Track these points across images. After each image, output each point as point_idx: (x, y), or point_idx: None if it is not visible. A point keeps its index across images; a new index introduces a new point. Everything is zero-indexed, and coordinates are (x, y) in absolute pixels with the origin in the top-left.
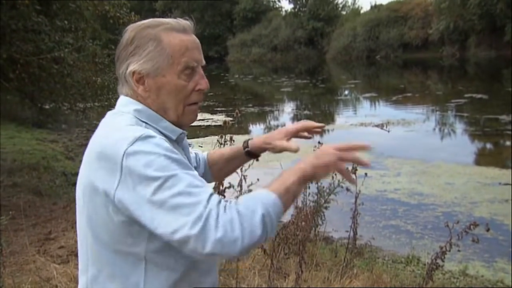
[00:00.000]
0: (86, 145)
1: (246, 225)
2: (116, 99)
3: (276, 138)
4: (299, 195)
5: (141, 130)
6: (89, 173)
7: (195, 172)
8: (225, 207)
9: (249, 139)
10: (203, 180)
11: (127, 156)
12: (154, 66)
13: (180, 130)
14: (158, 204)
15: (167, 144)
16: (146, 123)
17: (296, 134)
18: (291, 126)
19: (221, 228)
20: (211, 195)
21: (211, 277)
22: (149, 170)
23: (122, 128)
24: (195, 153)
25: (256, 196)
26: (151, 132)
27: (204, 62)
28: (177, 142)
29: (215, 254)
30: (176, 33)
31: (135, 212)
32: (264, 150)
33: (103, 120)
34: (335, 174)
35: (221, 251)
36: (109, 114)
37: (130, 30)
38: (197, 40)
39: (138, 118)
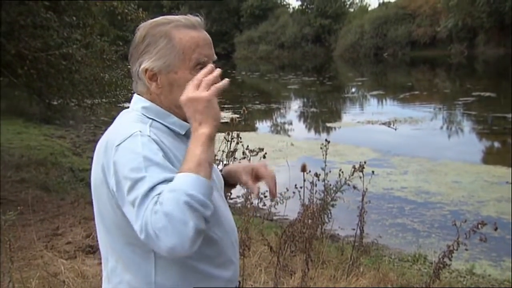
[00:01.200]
0: (93, 141)
1: (177, 225)
2: (123, 95)
3: (243, 173)
4: (213, 156)
5: (137, 127)
6: (96, 167)
7: (169, 176)
8: (155, 212)
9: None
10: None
11: (116, 151)
12: (166, 63)
13: (189, 125)
14: (129, 203)
15: (154, 146)
16: (153, 119)
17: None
18: (258, 167)
19: (161, 238)
20: (149, 199)
21: (227, 272)
22: (126, 168)
23: (125, 125)
24: None
25: (176, 187)
26: (146, 130)
27: (215, 57)
28: (188, 137)
29: (174, 256)
30: (186, 30)
31: (122, 204)
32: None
33: (116, 119)
34: (342, 172)
35: (174, 255)
36: (123, 112)
37: (142, 29)
38: (208, 36)
39: (145, 115)
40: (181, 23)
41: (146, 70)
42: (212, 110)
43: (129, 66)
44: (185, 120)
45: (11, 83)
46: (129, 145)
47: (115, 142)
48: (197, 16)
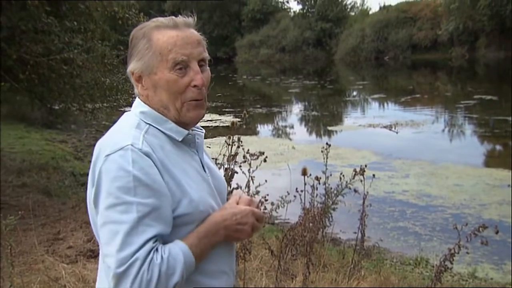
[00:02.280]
0: (94, 145)
1: None
2: (125, 100)
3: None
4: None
5: (130, 139)
6: (90, 171)
7: (157, 203)
8: (150, 262)
9: None
10: (162, 216)
11: (105, 161)
12: (145, 64)
13: (186, 131)
14: (104, 220)
15: (146, 163)
16: (150, 125)
17: None
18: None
19: (137, 283)
20: (146, 242)
21: (218, 281)
22: (113, 185)
23: (121, 132)
24: None
25: (178, 258)
26: (139, 141)
27: (203, 55)
28: (187, 144)
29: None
30: (166, 30)
31: (96, 212)
32: None
33: (118, 121)
34: (343, 176)
35: None
36: (124, 114)
37: (132, 32)
38: (192, 35)
39: (142, 120)
40: (161, 23)
41: (132, 73)
42: (241, 231)
43: None
44: (181, 124)
45: (12, 88)
46: (119, 159)
47: (106, 151)
48: (185, 16)
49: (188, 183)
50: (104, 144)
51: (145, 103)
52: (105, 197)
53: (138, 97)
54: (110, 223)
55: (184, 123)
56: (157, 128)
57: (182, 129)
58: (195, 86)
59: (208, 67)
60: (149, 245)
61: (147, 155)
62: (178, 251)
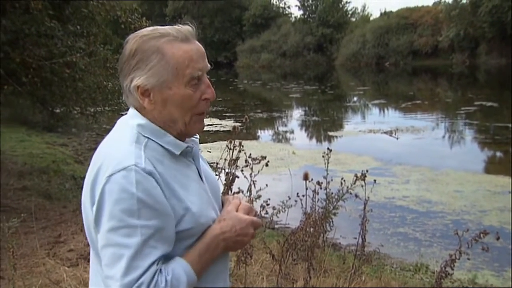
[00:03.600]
0: (95, 149)
1: None
2: (126, 104)
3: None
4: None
5: (133, 157)
6: (86, 187)
7: (161, 224)
8: (155, 286)
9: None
10: (165, 237)
11: (107, 182)
12: (160, 80)
13: (185, 145)
14: (106, 242)
15: (149, 184)
16: (149, 138)
17: None
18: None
19: None
20: (151, 265)
21: None
22: (116, 207)
23: (120, 147)
24: None
25: (181, 280)
26: (141, 160)
27: (209, 66)
28: (184, 155)
29: None
30: (179, 44)
31: (97, 231)
32: None
33: (113, 129)
34: (344, 181)
35: None
36: (120, 122)
37: (132, 42)
38: (201, 47)
39: (140, 133)
40: (173, 36)
41: (138, 87)
42: (240, 242)
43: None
44: (180, 137)
45: (15, 91)
46: (122, 180)
47: (108, 170)
48: (187, 25)
49: (188, 198)
50: (105, 162)
51: (142, 115)
52: (107, 219)
53: (135, 109)
54: (113, 246)
55: (187, 135)
56: (155, 142)
57: (181, 142)
58: (205, 99)
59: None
60: (154, 268)
61: (150, 174)
62: (181, 271)
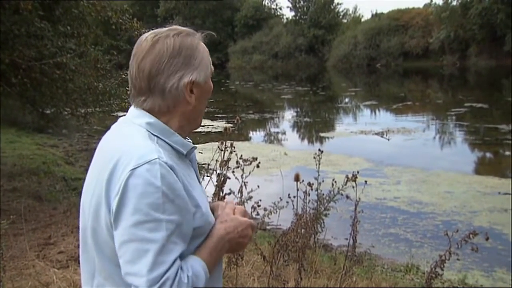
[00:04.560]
0: (86, 150)
1: None
2: (117, 104)
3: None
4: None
5: (155, 153)
6: (99, 183)
7: (181, 219)
8: (179, 281)
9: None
10: (183, 233)
11: (131, 176)
12: (206, 73)
13: (191, 145)
14: (129, 237)
15: (172, 177)
16: (158, 137)
17: None
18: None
19: None
20: (175, 260)
21: None
22: (142, 201)
23: (137, 142)
24: None
25: (200, 276)
26: (163, 156)
27: None
28: (187, 156)
29: None
30: (199, 40)
31: (115, 227)
32: None
33: (116, 128)
34: (335, 182)
35: None
36: (121, 122)
37: (168, 40)
38: None
39: (150, 132)
40: (197, 34)
41: (192, 83)
42: (241, 244)
43: (123, 76)
44: (186, 136)
45: (4, 92)
46: (146, 173)
47: (130, 163)
48: (180, 23)
49: (197, 196)
50: (123, 156)
51: (160, 118)
52: (131, 213)
53: (141, 108)
54: (138, 241)
55: (189, 132)
56: (164, 141)
57: (187, 142)
58: None
59: None
60: (177, 263)
61: (171, 168)
62: (199, 268)
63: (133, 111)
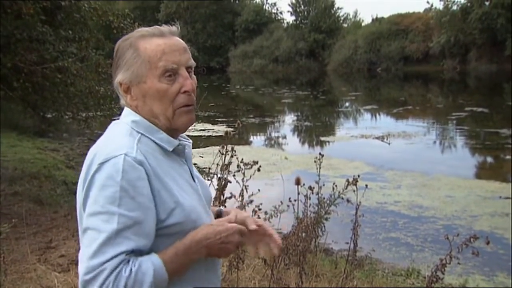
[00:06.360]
0: (87, 154)
1: None
2: (118, 108)
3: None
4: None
5: (125, 147)
6: (81, 179)
7: (141, 217)
8: (117, 274)
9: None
10: (144, 231)
11: (98, 170)
12: (134, 73)
13: (177, 142)
14: (87, 225)
15: (136, 174)
16: (142, 134)
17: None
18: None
19: None
20: (119, 254)
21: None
22: (100, 193)
23: (115, 139)
24: None
25: (147, 273)
26: (133, 149)
27: (190, 62)
28: (177, 154)
29: None
30: (151, 38)
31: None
32: None
33: (108, 128)
34: (336, 186)
35: None
36: (114, 122)
37: (116, 44)
38: (178, 42)
39: (134, 129)
40: (147, 32)
41: (120, 84)
42: (224, 249)
43: None
44: (171, 134)
45: (6, 96)
46: (111, 168)
47: (100, 158)
48: (171, 25)
49: (179, 192)
50: (99, 151)
51: (136, 112)
52: (91, 203)
53: (127, 107)
54: (91, 229)
55: (175, 130)
56: (148, 138)
57: (173, 139)
58: (185, 92)
59: (194, 75)
60: (121, 257)
61: (140, 163)
62: (149, 265)
63: (124, 110)
